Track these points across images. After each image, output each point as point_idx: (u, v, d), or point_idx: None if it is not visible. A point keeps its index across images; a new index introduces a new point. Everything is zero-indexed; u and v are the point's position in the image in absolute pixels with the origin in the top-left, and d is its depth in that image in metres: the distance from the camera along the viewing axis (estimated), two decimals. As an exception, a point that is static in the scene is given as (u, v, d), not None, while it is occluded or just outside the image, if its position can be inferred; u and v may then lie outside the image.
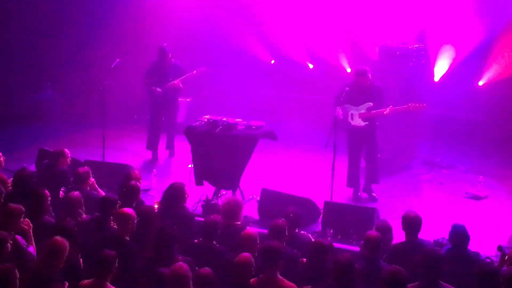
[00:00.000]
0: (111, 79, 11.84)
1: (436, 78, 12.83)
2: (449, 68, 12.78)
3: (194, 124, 10.52)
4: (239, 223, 8.22)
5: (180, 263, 6.51)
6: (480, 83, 12.77)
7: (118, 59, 11.82)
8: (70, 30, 14.57)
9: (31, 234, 7.61)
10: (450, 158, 12.33)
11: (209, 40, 14.66)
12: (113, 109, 13.05)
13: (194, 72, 12.16)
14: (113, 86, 12.09)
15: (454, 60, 12.74)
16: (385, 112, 10.17)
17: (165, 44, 12.24)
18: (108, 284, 6.59)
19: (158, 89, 12.11)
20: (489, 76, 12.66)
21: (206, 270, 6.54)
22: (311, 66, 14.37)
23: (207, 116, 10.49)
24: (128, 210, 7.68)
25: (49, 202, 8.13)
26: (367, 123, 10.31)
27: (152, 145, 12.45)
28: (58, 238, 6.79)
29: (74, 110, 14.58)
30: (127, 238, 7.54)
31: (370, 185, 10.71)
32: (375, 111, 10.22)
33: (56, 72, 14.81)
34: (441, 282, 6.68)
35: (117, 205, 8.03)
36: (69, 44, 14.62)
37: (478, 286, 6.51)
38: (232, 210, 8.16)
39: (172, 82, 12.06)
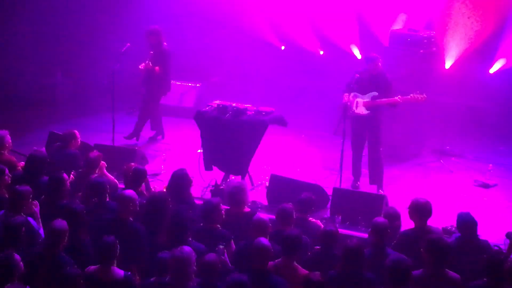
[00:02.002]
0: (121, 64, 11.85)
1: (447, 65, 12.78)
2: (460, 56, 12.71)
3: (203, 109, 10.52)
4: (248, 210, 8.24)
5: (183, 246, 6.53)
6: (491, 71, 12.70)
7: (128, 44, 11.82)
8: (80, 15, 14.56)
9: (39, 216, 7.69)
10: (460, 146, 12.30)
11: (219, 26, 14.63)
12: (123, 93, 13.07)
13: (151, 52, 11.97)
14: (123, 71, 12.10)
15: (465, 47, 12.67)
16: (393, 101, 10.02)
17: (156, 26, 12.12)
18: (114, 267, 6.66)
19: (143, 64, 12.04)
20: (500, 64, 12.60)
21: (211, 256, 6.57)
22: (321, 52, 14.34)
23: (217, 102, 10.49)
24: (128, 192, 7.73)
25: (68, 185, 8.20)
26: (369, 112, 10.15)
27: (152, 127, 12.60)
28: (58, 221, 6.91)
29: (83, 95, 14.61)
30: (131, 219, 7.59)
31: (374, 180, 10.46)
32: (380, 100, 10.06)
33: (66, 57, 14.82)
34: (447, 270, 6.69)
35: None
36: (79, 29, 14.62)
37: (486, 275, 6.51)
38: (235, 196, 8.17)
39: (145, 63, 11.93)
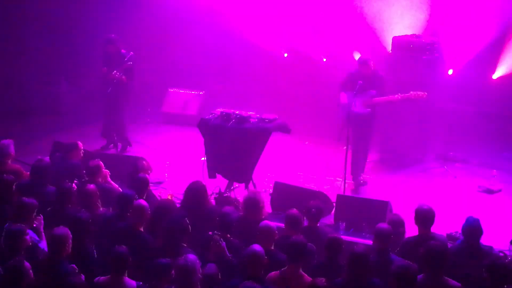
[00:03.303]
0: (133, 73, 11.89)
1: (450, 71, 12.78)
2: (462, 62, 12.71)
3: (207, 117, 10.53)
4: (263, 217, 8.21)
5: (187, 255, 6.52)
6: (494, 76, 12.69)
7: (131, 52, 11.85)
8: (85, 23, 14.61)
9: (42, 230, 7.70)
10: (464, 152, 12.28)
11: (222, 34, 14.66)
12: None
13: (131, 63, 11.85)
14: (127, 79, 12.14)
15: (468, 53, 12.67)
16: (394, 99, 10.32)
17: (112, 35, 12.10)
18: (125, 277, 6.65)
19: (104, 69, 11.96)
20: (503, 70, 12.59)
21: (212, 268, 6.56)
22: (324, 59, 14.35)
23: (220, 109, 10.50)
24: (143, 202, 7.74)
25: (75, 196, 8.24)
26: (369, 110, 10.37)
27: (103, 134, 12.42)
28: (60, 228, 6.91)
29: (88, 103, 14.64)
30: (141, 230, 7.62)
31: (353, 172, 10.67)
32: (379, 98, 10.32)
33: (70, 66, 14.86)
34: (447, 278, 6.68)
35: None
36: (83, 38, 14.67)
37: (489, 279, 6.50)
38: (253, 204, 8.15)
39: (112, 73, 11.83)
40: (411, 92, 10.31)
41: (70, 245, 6.92)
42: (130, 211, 7.82)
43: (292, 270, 6.80)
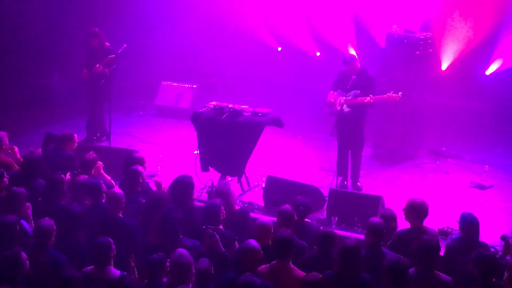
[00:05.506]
0: (118, 65, 11.85)
1: (443, 67, 12.80)
2: (456, 57, 12.73)
3: (200, 110, 10.52)
4: (238, 208, 8.32)
5: (181, 250, 6.54)
6: (487, 72, 12.72)
7: (125, 45, 11.81)
8: (77, 16, 14.56)
9: (31, 218, 7.72)
10: (456, 147, 12.30)
11: (216, 28, 14.64)
12: (120, 94, 13.07)
13: (113, 56, 11.82)
14: (120, 72, 12.10)
15: (461, 49, 12.69)
16: (365, 100, 9.99)
17: (96, 29, 12.11)
18: (110, 267, 6.67)
19: (85, 71, 12.00)
20: (496, 65, 12.61)
21: (205, 262, 6.57)
22: (318, 53, 14.35)
23: (214, 103, 10.49)
24: (117, 190, 7.80)
25: (65, 187, 8.24)
26: (350, 110, 10.16)
27: (88, 127, 12.42)
28: (45, 220, 6.94)
29: (80, 95, 14.59)
30: (120, 215, 7.66)
31: (354, 175, 10.56)
32: (358, 98, 10.08)
33: (62, 58, 14.82)
34: (438, 272, 6.70)
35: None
36: (75, 29, 14.61)
37: (477, 271, 6.53)
38: (225, 195, 8.20)
39: (95, 67, 11.88)
40: (387, 94, 10.13)
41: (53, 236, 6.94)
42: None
43: (280, 264, 6.81)
